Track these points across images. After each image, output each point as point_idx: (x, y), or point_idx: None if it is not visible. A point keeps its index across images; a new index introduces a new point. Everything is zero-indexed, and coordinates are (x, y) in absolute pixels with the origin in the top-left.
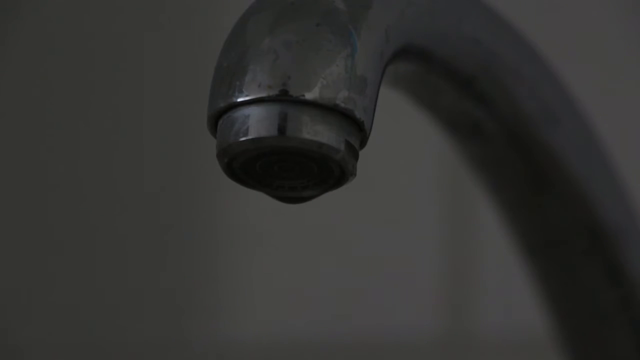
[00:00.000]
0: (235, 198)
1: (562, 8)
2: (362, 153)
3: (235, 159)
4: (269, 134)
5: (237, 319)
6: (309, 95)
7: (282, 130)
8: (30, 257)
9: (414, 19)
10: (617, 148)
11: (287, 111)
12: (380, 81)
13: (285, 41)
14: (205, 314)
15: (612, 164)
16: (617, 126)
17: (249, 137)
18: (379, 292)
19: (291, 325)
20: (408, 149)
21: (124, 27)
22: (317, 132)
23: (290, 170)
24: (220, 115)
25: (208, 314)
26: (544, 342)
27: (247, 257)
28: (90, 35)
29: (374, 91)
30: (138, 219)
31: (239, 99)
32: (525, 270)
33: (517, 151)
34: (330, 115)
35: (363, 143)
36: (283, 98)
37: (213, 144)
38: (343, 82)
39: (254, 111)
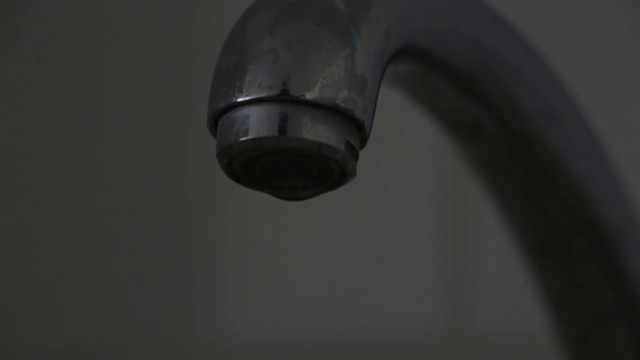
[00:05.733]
0: (235, 198)
1: (562, 8)
2: (362, 153)
3: (235, 158)
4: (269, 134)
5: (237, 319)
6: (309, 95)
7: (282, 130)
8: (30, 257)
9: (414, 19)
10: (617, 148)
11: (287, 111)
12: (380, 81)
13: (285, 41)
14: (205, 313)
15: (612, 163)
16: (617, 126)
17: (249, 137)
18: (379, 292)
19: (291, 325)
20: (408, 149)
21: (124, 27)
22: (317, 132)
23: (290, 170)
24: (220, 115)
25: (208, 314)
26: (543, 342)
27: (246, 257)
28: (90, 35)
29: (374, 91)
30: (138, 219)
31: (239, 99)
32: (525, 270)
33: (517, 151)
34: (330, 115)
35: (363, 143)
36: (283, 98)
37: (213, 144)
38: (343, 82)
39: (254, 111)
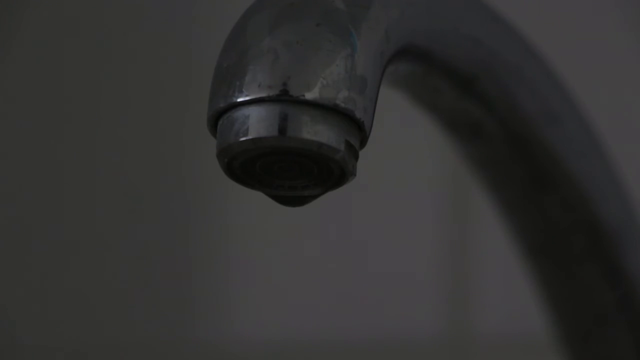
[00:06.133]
0: (234, 198)
1: (562, 8)
2: (362, 153)
3: (236, 158)
4: (269, 134)
5: (237, 319)
6: (309, 95)
7: (282, 130)
8: (28, 257)
9: (414, 19)
10: (617, 148)
11: (287, 111)
12: (380, 81)
13: (285, 41)
14: (205, 314)
15: (612, 163)
16: (617, 126)
17: (249, 137)
18: (379, 292)
19: (291, 325)
20: (408, 149)
21: (123, 27)
22: (317, 132)
23: (290, 170)
24: (220, 115)
25: (208, 314)
26: (543, 342)
27: (246, 257)
28: (89, 36)
29: (374, 91)
30: (137, 219)
31: (239, 99)
32: (525, 270)
33: (517, 151)
34: (330, 115)
35: (363, 143)
36: (283, 98)
37: (213, 144)
38: (343, 82)
39: (254, 111)
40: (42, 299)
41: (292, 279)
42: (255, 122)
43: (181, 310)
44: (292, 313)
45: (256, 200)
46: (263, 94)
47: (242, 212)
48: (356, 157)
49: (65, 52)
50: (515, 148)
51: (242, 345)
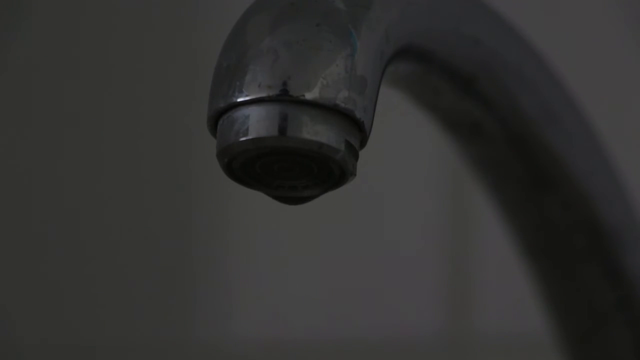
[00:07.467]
0: (235, 198)
1: (562, 8)
2: (362, 153)
3: (235, 159)
4: (269, 134)
5: (237, 319)
6: (309, 95)
7: (282, 130)
8: (29, 256)
9: (414, 19)
10: (617, 148)
11: (287, 111)
12: (380, 81)
13: (285, 41)
14: (205, 313)
15: (612, 164)
16: (617, 126)
17: (249, 137)
18: (379, 292)
19: (291, 325)
20: (408, 149)
21: (125, 27)
22: (317, 132)
23: (290, 170)
24: (220, 115)
25: (208, 314)
26: (543, 342)
27: (247, 257)
28: (91, 36)
29: (374, 91)
30: (137, 219)
31: (239, 99)
32: (525, 270)
33: (517, 151)
34: (330, 115)
35: (363, 143)
36: (283, 98)
37: (213, 144)
38: (343, 82)
39: (254, 111)
40: (42, 299)
41: (292, 279)
42: (255, 122)
43: (181, 310)
44: (292, 313)
45: (256, 201)
46: (263, 94)
47: (242, 212)
48: (356, 157)
49: (68, 53)
50: (516, 148)
51: (242, 345)
